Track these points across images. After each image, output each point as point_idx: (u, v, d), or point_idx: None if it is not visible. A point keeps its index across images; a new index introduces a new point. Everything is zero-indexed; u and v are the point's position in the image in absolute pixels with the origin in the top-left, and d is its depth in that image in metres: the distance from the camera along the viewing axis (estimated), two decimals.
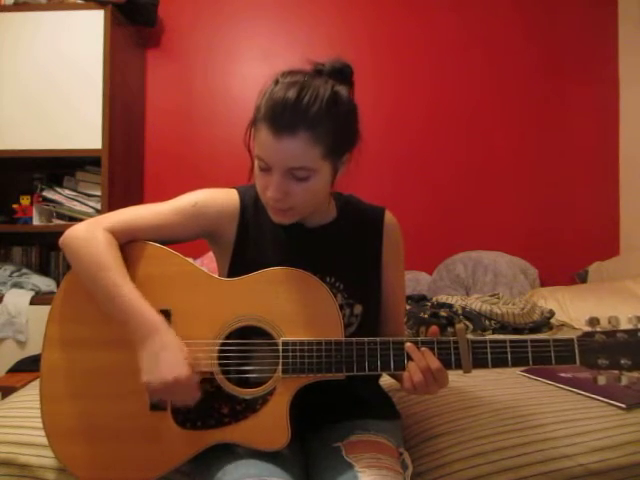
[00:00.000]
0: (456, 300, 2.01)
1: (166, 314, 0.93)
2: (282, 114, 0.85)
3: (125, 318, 0.88)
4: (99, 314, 0.94)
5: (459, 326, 0.91)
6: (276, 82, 0.90)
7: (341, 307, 0.97)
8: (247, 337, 0.91)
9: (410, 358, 0.89)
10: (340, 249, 1.03)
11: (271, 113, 0.86)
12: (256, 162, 0.92)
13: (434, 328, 0.91)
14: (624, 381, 0.86)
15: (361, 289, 1.02)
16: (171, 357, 0.85)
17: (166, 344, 0.86)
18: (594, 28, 2.88)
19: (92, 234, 0.92)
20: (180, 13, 2.82)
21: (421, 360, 0.87)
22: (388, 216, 1.07)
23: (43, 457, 0.99)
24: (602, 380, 0.87)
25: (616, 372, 0.86)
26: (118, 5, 2.43)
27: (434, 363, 0.87)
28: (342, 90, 0.91)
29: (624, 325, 0.88)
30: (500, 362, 0.88)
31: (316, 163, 0.89)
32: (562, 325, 2.06)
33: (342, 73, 0.92)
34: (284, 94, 0.86)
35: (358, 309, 1.01)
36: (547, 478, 1.02)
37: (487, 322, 1.89)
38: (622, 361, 0.86)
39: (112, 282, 0.89)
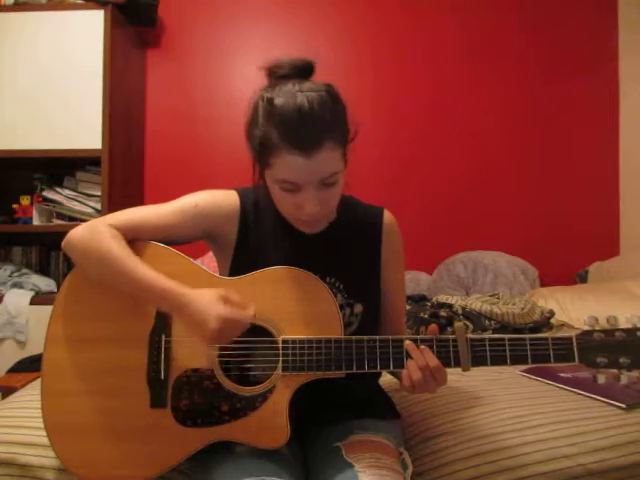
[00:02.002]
0: (456, 300, 2.01)
1: (168, 313, 0.93)
2: (303, 132, 0.83)
3: (154, 296, 0.89)
4: (101, 312, 0.94)
5: (458, 324, 0.91)
6: (270, 102, 0.86)
7: (341, 307, 0.97)
8: (247, 335, 0.91)
9: (409, 356, 0.89)
10: (340, 249, 1.03)
11: (290, 135, 0.84)
12: (276, 187, 0.90)
13: (433, 326, 0.91)
14: (623, 380, 0.86)
15: (361, 289, 1.02)
16: (206, 301, 0.85)
17: (198, 295, 0.86)
18: (594, 29, 2.88)
19: (95, 230, 0.93)
20: (180, 13, 2.82)
21: (420, 358, 0.87)
22: (387, 216, 1.08)
23: (43, 457, 0.98)
24: (601, 379, 0.87)
25: (615, 371, 0.86)
26: (118, 5, 2.43)
27: (433, 361, 0.87)
28: (330, 87, 0.90)
29: (623, 325, 0.88)
30: (499, 360, 0.88)
31: (340, 164, 0.90)
32: (562, 325, 2.06)
33: (305, 70, 0.91)
34: (292, 110, 0.84)
35: (358, 309, 1.01)
36: (547, 478, 1.02)
37: (487, 322, 1.89)
38: (621, 360, 0.86)
39: (129, 268, 0.89)
